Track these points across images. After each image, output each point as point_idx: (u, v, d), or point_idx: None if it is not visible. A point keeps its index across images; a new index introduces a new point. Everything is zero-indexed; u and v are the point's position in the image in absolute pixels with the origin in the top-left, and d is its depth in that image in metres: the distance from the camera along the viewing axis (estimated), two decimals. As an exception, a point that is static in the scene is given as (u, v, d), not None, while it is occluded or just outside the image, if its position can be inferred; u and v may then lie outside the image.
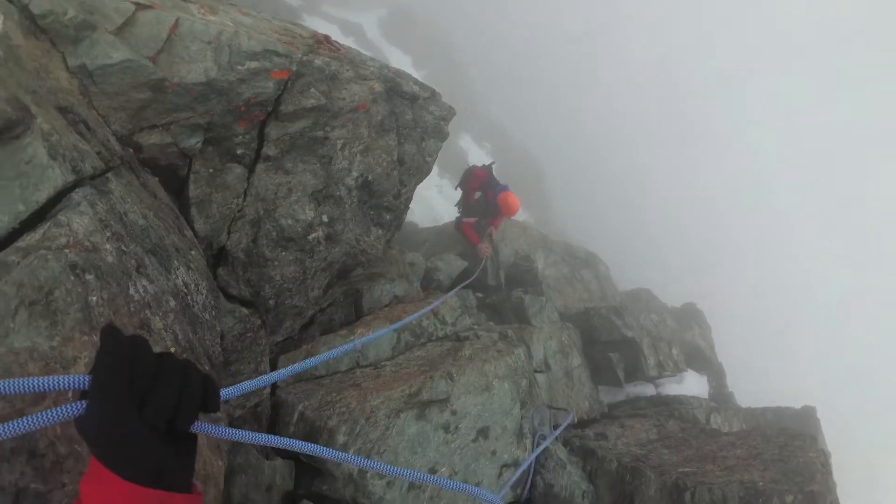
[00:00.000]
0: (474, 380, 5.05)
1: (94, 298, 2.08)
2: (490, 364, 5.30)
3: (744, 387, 13.21)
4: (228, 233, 4.24)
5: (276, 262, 4.52)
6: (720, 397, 11.45)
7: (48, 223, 2.24)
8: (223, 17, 4.53)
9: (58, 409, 1.05)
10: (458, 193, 10.04)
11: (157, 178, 3.83)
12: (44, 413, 1.05)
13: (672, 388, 9.52)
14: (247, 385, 1.45)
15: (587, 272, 12.50)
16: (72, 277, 2.04)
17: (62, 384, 1.07)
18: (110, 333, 1.04)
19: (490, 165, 9.63)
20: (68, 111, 3.17)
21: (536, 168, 25.08)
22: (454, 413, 4.73)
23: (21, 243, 2.14)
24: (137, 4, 3.76)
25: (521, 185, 17.61)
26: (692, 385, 10.15)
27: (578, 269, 12.33)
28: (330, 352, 2.16)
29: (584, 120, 34.75)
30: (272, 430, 4.34)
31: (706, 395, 10.52)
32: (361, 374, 5.00)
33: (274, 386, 4.64)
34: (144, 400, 1.02)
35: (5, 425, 1.03)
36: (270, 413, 4.40)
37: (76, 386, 1.07)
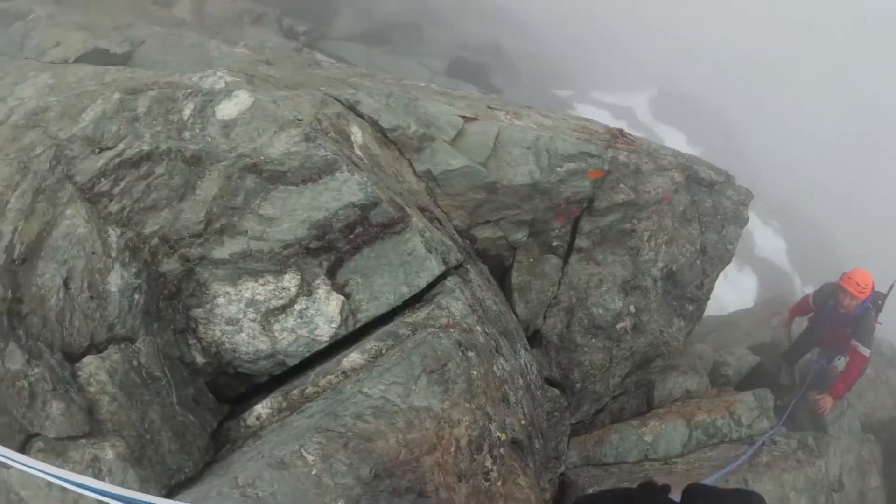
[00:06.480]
0: (770, 489, 4.73)
1: (475, 373, 2.43)
2: (789, 474, 4.94)
3: None
4: (544, 317, 4.57)
5: (585, 349, 4.72)
6: None
7: (431, 305, 2.69)
8: (527, 121, 5.02)
9: None
10: None
11: (486, 266, 4.28)
12: None
13: None
14: None
15: (893, 374, 10.67)
16: (459, 353, 2.42)
17: None
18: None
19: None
20: (425, 210, 3.76)
21: (835, 251, 21.95)
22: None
23: (408, 319, 2.62)
24: (464, 117, 4.36)
25: (818, 271, 15.70)
26: None
27: (882, 370, 10.50)
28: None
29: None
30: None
31: None
32: (651, 468, 4.87)
33: None
34: None
35: None
36: (557, 491, 4.38)
37: None
